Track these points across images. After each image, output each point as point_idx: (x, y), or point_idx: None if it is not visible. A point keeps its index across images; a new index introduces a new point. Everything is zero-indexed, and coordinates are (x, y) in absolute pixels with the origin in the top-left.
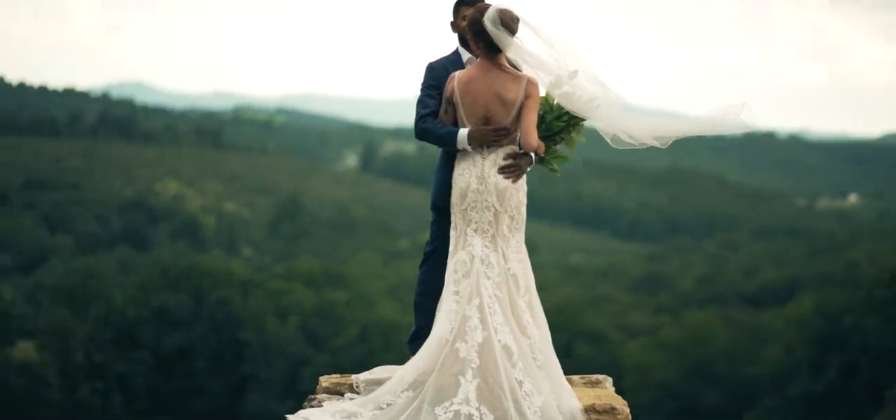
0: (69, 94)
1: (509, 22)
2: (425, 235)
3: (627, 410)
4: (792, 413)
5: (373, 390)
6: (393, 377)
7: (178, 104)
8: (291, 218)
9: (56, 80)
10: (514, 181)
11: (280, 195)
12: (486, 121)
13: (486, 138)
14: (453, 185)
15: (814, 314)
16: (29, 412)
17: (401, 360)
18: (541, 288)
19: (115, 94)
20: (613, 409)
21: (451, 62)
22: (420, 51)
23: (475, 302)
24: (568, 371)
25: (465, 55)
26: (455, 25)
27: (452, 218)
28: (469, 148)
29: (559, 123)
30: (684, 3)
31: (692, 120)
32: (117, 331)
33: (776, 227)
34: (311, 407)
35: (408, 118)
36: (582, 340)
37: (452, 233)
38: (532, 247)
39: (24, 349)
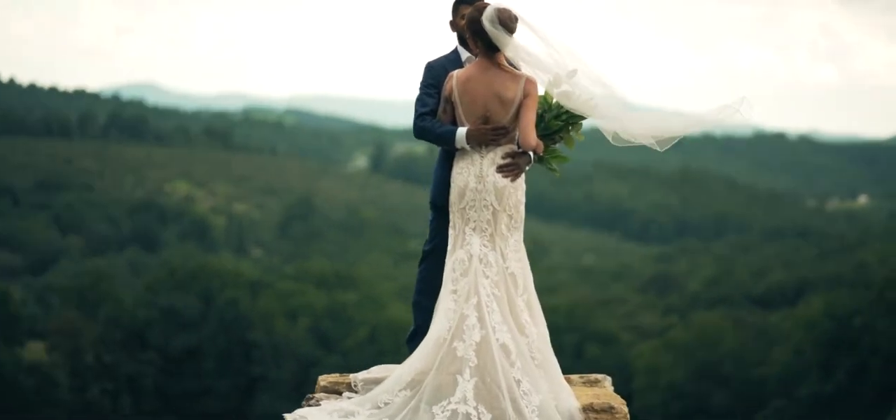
0: (80, 95)
1: (508, 21)
2: None
3: (626, 409)
4: (801, 414)
5: (371, 389)
6: (390, 376)
7: (189, 105)
8: (301, 219)
9: (67, 81)
10: (512, 180)
11: (290, 196)
12: (485, 120)
13: (485, 137)
14: (452, 184)
15: (823, 315)
16: (39, 413)
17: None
18: (553, 289)
19: (126, 95)
20: (611, 408)
21: (450, 61)
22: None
23: (473, 301)
24: (577, 372)
25: (464, 54)
26: (454, 24)
27: (451, 217)
28: (468, 147)
29: (558, 122)
30: (698, 4)
31: (690, 117)
32: (127, 332)
33: (786, 228)
34: (309, 406)
35: None
36: (592, 341)
37: (451, 231)
38: (544, 247)
39: (35, 350)
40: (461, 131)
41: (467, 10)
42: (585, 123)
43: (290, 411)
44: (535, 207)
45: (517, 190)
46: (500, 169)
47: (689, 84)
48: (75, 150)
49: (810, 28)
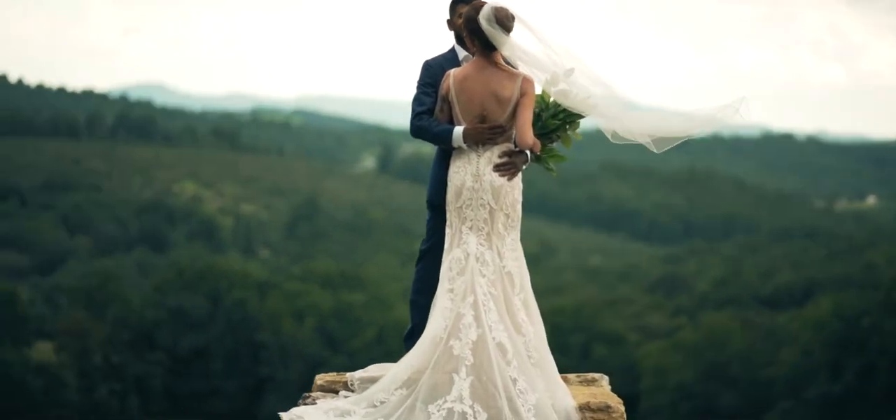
0: (88, 95)
1: (504, 20)
2: None
3: (622, 408)
4: (809, 415)
5: (367, 388)
6: (387, 375)
7: (196, 106)
8: (309, 219)
9: (75, 81)
10: (509, 179)
11: (297, 197)
12: (482, 118)
13: (482, 136)
14: (448, 183)
15: (831, 316)
16: (47, 413)
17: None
18: (560, 289)
19: (134, 95)
20: (608, 407)
21: (448, 60)
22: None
23: (469, 299)
24: (584, 371)
25: (462, 53)
26: (451, 23)
27: (448, 216)
28: (464, 146)
29: (555, 121)
30: (702, 4)
31: (687, 116)
32: (135, 332)
33: (794, 228)
34: (306, 404)
35: None
36: (599, 342)
37: (448, 230)
38: (551, 248)
39: (43, 350)
40: (458, 130)
41: (465, 9)
42: (590, 124)
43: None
44: (542, 208)
45: (514, 189)
46: (497, 168)
47: (694, 84)
48: (83, 150)
49: (817, 28)
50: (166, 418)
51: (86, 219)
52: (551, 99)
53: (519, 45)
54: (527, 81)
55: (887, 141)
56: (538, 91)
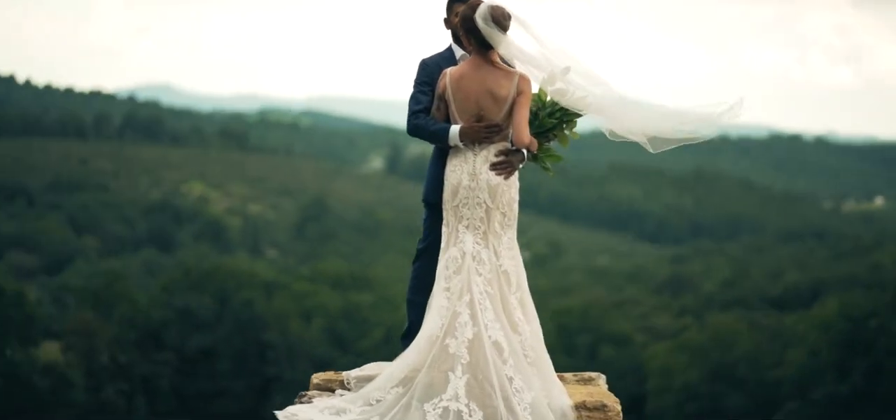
0: (96, 96)
1: (501, 19)
2: None
3: (618, 407)
4: (816, 416)
5: (363, 387)
6: (382, 373)
7: (204, 106)
8: (317, 220)
9: (82, 82)
10: (505, 178)
11: (305, 197)
12: (479, 117)
13: (478, 135)
14: (445, 182)
15: (838, 317)
16: (54, 413)
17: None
18: (568, 290)
19: (142, 96)
20: (604, 406)
21: (445, 59)
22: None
23: (465, 298)
24: (593, 371)
25: (459, 52)
26: (448, 22)
27: (444, 214)
28: (461, 144)
29: (552, 120)
30: (711, 6)
31: (683, 113)
32: (142, 332)
33: (801, 229)
34: (302, 403)
35: None
36: (606, 342)
37: (444, 229)
38: (558, 248)
39: (50, 350)
40: (454, 129)
41: (461, 8)
42: (598, 126)
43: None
44: (550, 208)
45: (510, 188)
46: (494, 167)
47: (702, 85)
48: (91, 150)
49: (825, 29)
50: (173, 418)
51: (93, 219)
52: (548, 98)
53: (515, 44)
54: (523, 80)
55: (895, 142)
56: (535, 90)
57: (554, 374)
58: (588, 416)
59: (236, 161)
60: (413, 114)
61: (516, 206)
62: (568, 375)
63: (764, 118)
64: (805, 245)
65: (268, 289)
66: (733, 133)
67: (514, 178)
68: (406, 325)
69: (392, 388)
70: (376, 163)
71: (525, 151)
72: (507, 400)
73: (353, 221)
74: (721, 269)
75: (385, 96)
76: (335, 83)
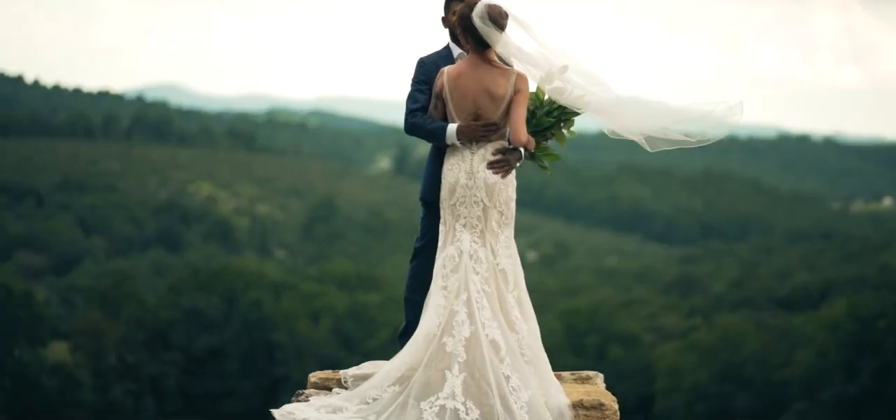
0: (104, 96)
1: (498, 18)
2: None
3: (616, 406)
4: (824, 417)
5: (360, 385)
6: (379, 372)
7: (213, 106)
8: (325, 220)
9: (91, 82)
10: (502, 176)
11: (313, 197)
12: (476, 116)
13: (475, 133)
14: (442, 181)
15: (847, 317)
16: (62, 413)
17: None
18: (576, 290)
19: (150, 96)
20: (602, 405)
21: (442, 57)
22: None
23: (463, 297)
24: (600, 371)
25: (456, 50)
26: (446, 21)
27: (441, 213)
28: (458, 143)
29: (549, 119)
30: (720, 6)
31: (680, 111)
32: (150, 332)
33: (810, 230)
34: (299, 401)
35: None
36: (614, 343)
37: (441, 228)
38: (567, 249)
39: (58, 350)
40: (451, 127)
41: (459, 7)
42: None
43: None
44: (559, 209)
45: (508, 186)
46: (491, 165)
47: (711, 86)
48: (99, 151)
49: (834, 30)
50: (181, 418)
51: (101, 219)
52: (545, 96)
53: (513, 43)
54: (520, 79)
55: None
56: (533, 88)
57: (551, 373)
58: (585, 415)
59: (244, 161)
60: (410, 112)
61: (513, 204)
62: (565, 374)
63: (772, 119)
64: (813, 245)
65: (276, 289)
66: (742, 134)
67: (512, 177)
68: (403, 323)
69: (389, 386)
70: (384, 163)
71: (522, 150)
72: (503, 398)
73: (360, 222)
74: (729, 269)
75: (393, 97)
76: (343, 83)
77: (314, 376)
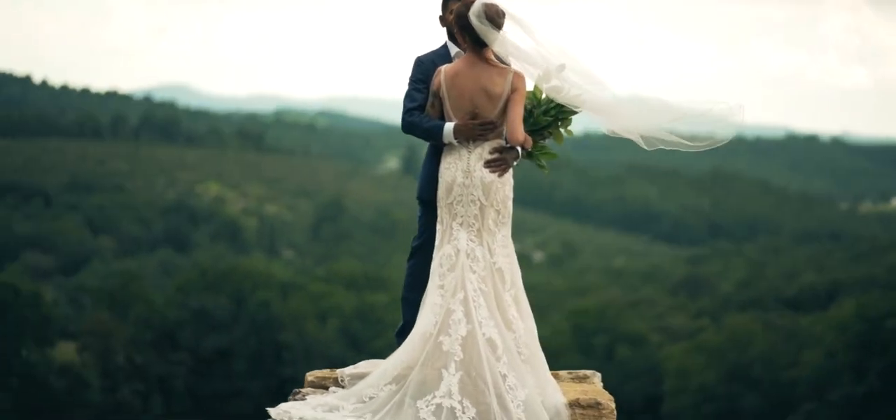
0: (112, 96)
1: (495, 16)
2: None
3: (613, 406)
4: (832, 417)
5: (357, 384)
6: (376, 370)
7: (221, 107)
8: (333, 220)
9: (99, 82)
10: (499, 175)
11: (322, 198)
12: (473, 115)
13: (472, 132)
14: (439, 179)
15: (855, 318)
16: (70, 413)
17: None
18: (584, 290)
19: (158, 96)
20: (598, 404)
21: (440, 56)
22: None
23: (459, 295)
24: (607, 374)
25: (454, 49)
26: (443, 19)
27: (438, 212)
28: (455, 142)
29: (547, 118)
30: (728, 6)
31: (677, 108)
32: (158, 332)
33: (818, 230)
34: (296, 400)
35: None
36: (622, 343)
37: (438, 227)
38: (575, 249)
39: (66, 350)
40: (448, 126)
41: (456, 6)
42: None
43: None
44: (566, 209)
45: (505, 185)
46: (488, 164)
47: (719, 85)
48: (107, 151)
49: (841, 30)
50: (189, 418)
51: (109, 219)
52: (543, 95)
53: (510, 41)
54: (518, 77)
55: None
56: (530, 87)
57: (548, 372)
58: (582, 414)
59: (252, 161)
60: (407, 111)
61: (511, 203)
62: (562, 373)
63: (780, 119)
64: (821, 246)
65: (284, 289)
66: (749, 134)
67: (509, 176)
68: (401, 322)
69: (385, 385)
70: (392, 163)
71: (519, 149)
72: (500, 397)
73: (368, 222)
74: (737, 269)
75: (401, 97)
76: (351, 84)
77: (311, 375)
